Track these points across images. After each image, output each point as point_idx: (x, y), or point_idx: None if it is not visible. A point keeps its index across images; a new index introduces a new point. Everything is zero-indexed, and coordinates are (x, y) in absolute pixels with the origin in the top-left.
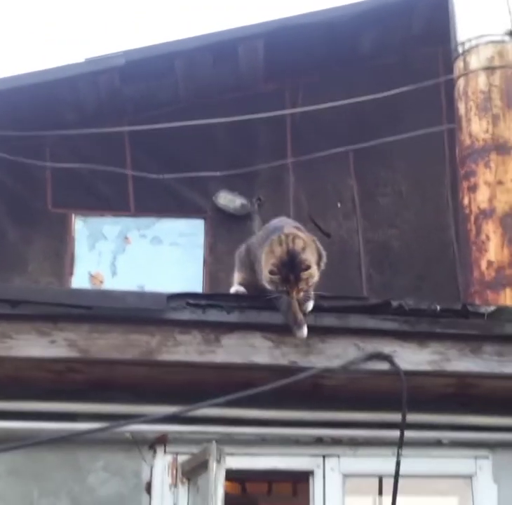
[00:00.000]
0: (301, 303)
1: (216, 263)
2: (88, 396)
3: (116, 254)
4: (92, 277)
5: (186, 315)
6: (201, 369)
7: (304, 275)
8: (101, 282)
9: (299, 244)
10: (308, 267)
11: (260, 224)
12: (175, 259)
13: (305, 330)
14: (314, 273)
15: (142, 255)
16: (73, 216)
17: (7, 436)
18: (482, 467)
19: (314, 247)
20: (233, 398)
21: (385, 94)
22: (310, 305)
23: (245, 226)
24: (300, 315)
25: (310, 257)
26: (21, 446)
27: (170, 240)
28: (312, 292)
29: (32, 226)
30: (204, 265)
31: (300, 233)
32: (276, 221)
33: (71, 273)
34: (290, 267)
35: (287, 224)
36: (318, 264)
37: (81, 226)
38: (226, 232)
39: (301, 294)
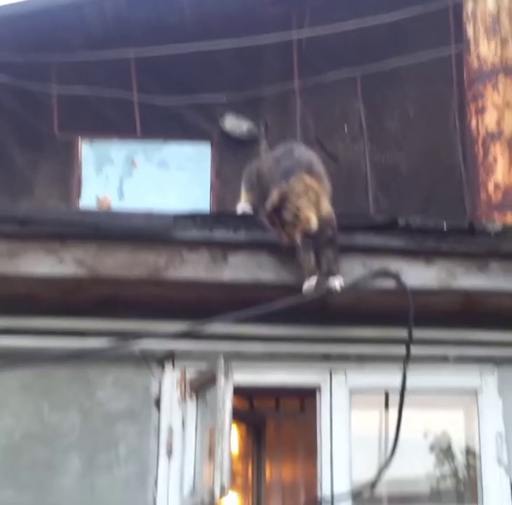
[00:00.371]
0: (319, 249)
1: (223, 187)
2: (96, 314)
3: (123, 178)
4: (99, 201)
5: (193, 234)
6: (209, 287)
7: (287, 217)
8: (108, 206)
9: (295, 189)
10: (288, 210)
11: (267, 149)
12: (182, 184)
13: (308, 285)
14: (303, 218)
15: (148, 179)
16: (79, 140)
17: (17, 352)
18: (487, 382)
19: (316, 191)
20: (243, 316)
21: (393, 17)
22: (328, 252)
23: (251, 150)
24: (308, 268)
25: (302, 202)
26: (35, 363)
27: (176, 165)
28: (331, 236)
29: (39, 151)
30: (211, 189)
31: (305, 178)
32: (288, 155)
33: (78, 197)
34: (277, 211)
35: (298, 166)
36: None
37: (88, 151)
38: (232, 156)
39: (297, 236)
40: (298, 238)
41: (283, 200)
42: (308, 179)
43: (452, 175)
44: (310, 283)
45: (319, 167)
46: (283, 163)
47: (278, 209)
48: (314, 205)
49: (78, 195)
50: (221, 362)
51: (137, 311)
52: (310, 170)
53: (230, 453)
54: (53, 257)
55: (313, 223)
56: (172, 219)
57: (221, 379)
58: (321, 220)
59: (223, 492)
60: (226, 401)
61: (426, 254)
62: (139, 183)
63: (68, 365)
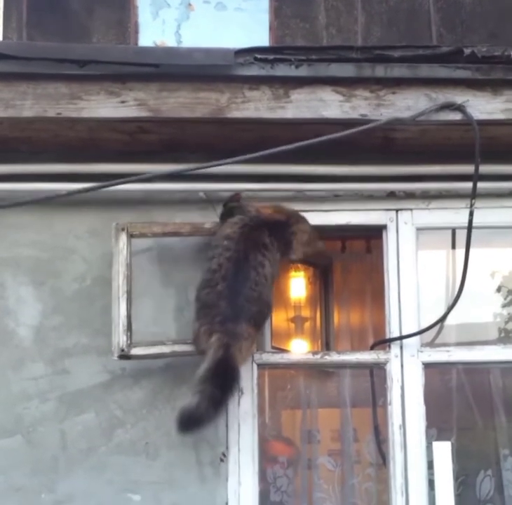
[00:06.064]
0: None
1: (282, 27)
2: (161, 157)
3: (180, 22)
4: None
5: (254, 70)
6: (271, 125)
7: None
8: None
9: None
10: None
11: None
12: (240, 25)
13: None
14: None
15: (206, 22)
16: None
17: (85, 198)
18: None
19: None
20: (302, 147)
21: None
22: None
23: None
24: None
25: None
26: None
27: (234, 5)
28: None
29: None
30: (270, 30)
31: None
32: None
33: (136, 43)
34: None
35: None
36: None
37: None
38: None
39: None
40: None
41: None
42: None
43: None
44: None
45: None
46: None
47: None
48: None
49: (136, 42)
50: None
51: (200, 153)
52: None
53: None
54: (115, 99)
55: None
56: (232, 55)
57: None
58: None
59: None
60: None
61: (493, 85)
62: (196, 26)
63: (135, 209)
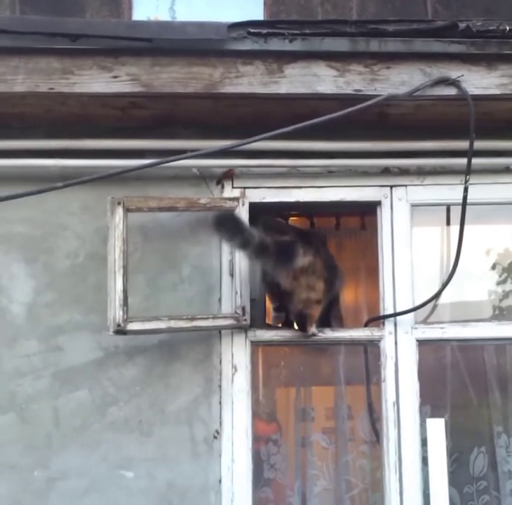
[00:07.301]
0: None
1: (277, 3)
2: (153, 133)
3: None
4: None
5: (247, 44)
6: (265, 101)
7: None
8: None
9: None
10: None
11: None
12: (235, 1)
13: None
14: None
15: None
16: None
17: (77, 174)
18: None
19: None
20: (299, 128)
21: None
22: None
23: None
24: None
25: None
26: (90, 180)
27: None
28: None
29: None
30: (264, 6)
31: None
32: None
33: (129, 19)
34: None
35: None
36: None
37: None
38: None
39: None
40: None
41: None
42: None
43: None
44: None
45: None
46: None
47: None
48: None
49: (130, 17)
50: None
51: (194, 129)
52: None
53: None
54: (108, 74)
55: None
56: (225, 29)
57: None
58: None
59: None
60: None
61: (488, 60)
62: (190, 2)
63: (127, 186)
